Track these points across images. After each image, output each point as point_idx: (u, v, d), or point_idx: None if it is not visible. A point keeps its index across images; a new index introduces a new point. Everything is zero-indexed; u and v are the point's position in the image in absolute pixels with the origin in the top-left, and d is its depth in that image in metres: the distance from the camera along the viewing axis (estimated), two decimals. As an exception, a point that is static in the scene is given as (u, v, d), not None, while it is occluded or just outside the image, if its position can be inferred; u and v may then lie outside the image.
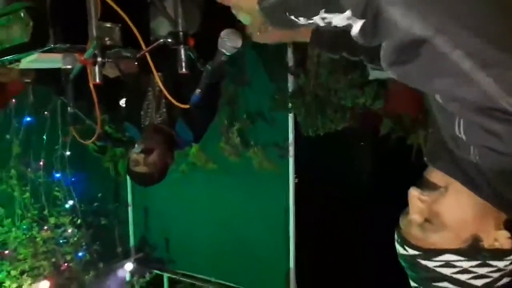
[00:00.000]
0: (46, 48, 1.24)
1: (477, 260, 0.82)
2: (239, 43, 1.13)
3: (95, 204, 3.79)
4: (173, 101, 1.27)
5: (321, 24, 0.74)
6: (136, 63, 1.31)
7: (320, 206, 3.19)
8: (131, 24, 1.21)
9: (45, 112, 3.31)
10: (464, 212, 0.84)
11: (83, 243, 3.60)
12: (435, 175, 0.89)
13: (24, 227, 3.39)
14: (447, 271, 0.83)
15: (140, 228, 3.93)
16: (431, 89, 0.72)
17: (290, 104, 2.81)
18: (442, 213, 0.85)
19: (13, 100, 3.17)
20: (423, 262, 0.85)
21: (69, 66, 1.33)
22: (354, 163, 3.52)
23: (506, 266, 0.82)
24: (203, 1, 1.59)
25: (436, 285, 0.85)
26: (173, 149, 1.98)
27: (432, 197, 0.86)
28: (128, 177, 3.74)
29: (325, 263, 3.13)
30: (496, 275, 0.82)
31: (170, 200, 3.59)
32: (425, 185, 0.88)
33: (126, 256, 3.88)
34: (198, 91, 1.23)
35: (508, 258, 0.82)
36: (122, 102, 2.04)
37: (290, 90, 2.86)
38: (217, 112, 2.10)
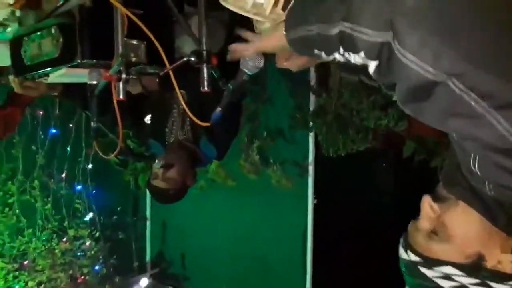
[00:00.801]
0: (73, 64, 1.27)
1: (477, 278, 0.81)
2: (261, 63, 1.13)
3: (114, 217, 3.81)
4: (194, 119, 1.27)
5: (341, 60, 0.77)
6: (157, 80, 1.32)
7: (339, 228, 3.14)
8: (156, 42, 1.23)
9: (70, 125, 3.37)
10: (471, 229, 0.83)
11: (100, 256, 3.61)
12: (451, 192, 0.88)
13: (44, 238, 3.43)
14: (445, 283, 0.83)
15: (157, 243, 3.93)
16: (446, 128, 0.72)
17: (311, 123, 2.79)
18: (450, 225, 0.85)
19: (41, 112, 3.26)
20: (423, 270, 0.85)
21: (94, 82, 1.35)
22: (376, 185, 3.46)
23: None
24: (227, 20, 1.61)
25: None
26: (195, 168, 1.96)
27: (443, 208, 0.86)
28: (147, 192, 3.78)
29: (343, 285, 3.05)
30: None
31: (188, 216, 3.59)
32: (438, 197, 0.89)
33: (142, 271, 3.88)
34: (219, 109, 1.23)
35: (509, 283, 0.80)
36: (147, 118, 2.05)
37: (311, 108, 2.85)
38: (239, 129, 2.10)
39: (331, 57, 0.79)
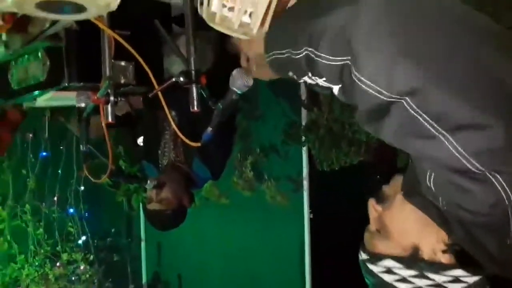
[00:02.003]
0: (60, 87, 1.26)
1: (415, 269, 0.84)
2: (250, 81, 1.13)
3: (108, 239, 3.76)
4: (184, 139, 1.26)
5: (311, 82, 0.81)
6: (141, 99, 1.31)
7: (336, 241, 3.11)
8: (143, 63, 1.22)
9: (61, 147, 3.34)
10: (405, 222, 0.87)
11: (95, 280, 3.55)
12: (390, 187, 0.95)
13: (37, 263, 3.37)
14: (388, 278, 0.86)
15: (153, 264, 3.88)
16: (403, 147, 0.75)
17: (303, 138, 2.79)
18: (388, 222, 0.90)
19: (31, 135, 3.23)
20: (370, 266, 0.90)
21: (82, 105, 1.34)
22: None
23: (444, 282, 0.82)
24: (215, 40, 1.61)
25: None
26: (190, 189, 1.93)
27: (384, 207, 0.92)
28: (141, 212, 3.74)
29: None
30: None
31: (183, 236, 3.54)
32: (382, 197, 0.95)
33: (137, 294, 3.81)
34: (209, 129, 1.22)
35: (446, 273, 0.82)
36: (140, 140, 2.03)
37: (303, 123, 2.85)
38: (233, 147, 2.08)
39: (302, 80, 0.83)
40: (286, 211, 3.06)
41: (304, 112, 2.86)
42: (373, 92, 0.69)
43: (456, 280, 0.81)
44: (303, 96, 2.84)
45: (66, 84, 1.24)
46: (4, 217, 3.29)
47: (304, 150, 2.94)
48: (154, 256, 3.85)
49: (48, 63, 1.28)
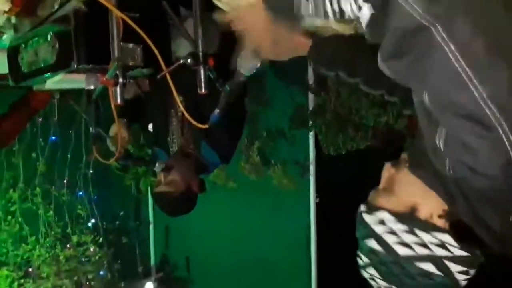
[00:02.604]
0: (70, 69, 1.27)
1: (406, 224, 0.85)
2: (257, 63, 1.13)
3: (117, 222, 3.81)
4: (192, 121, 1.27)
5: (330, 14, 0.75)
6: (147, 81, 1.32)
7: (342, 226, 3.13)
8: (152, 45, 1.23)
9: (70, 131, 3.37)
10: (412, 185, 0.88)
11: (105, 262, 3.61)
12: (405, 155, 0.95)
13: (48, 245, 3.42)
14: (379, 229, 0.88)
15: (161, 247, 3.92)
16: (423, 86, 0.71)
17: (310, 123, 2.79)
18: (396, 182, 0.92)
19: (39, 119, 3.26)
20: (365, 216, 0.92)
21: (91, 87, 1.35)
22: (377, 182, 3.45)
23: (430, 243, 0.83)
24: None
25: (366, 242, 0.90)
26: (200, 174, 1.92)
27: (397, 170, 0.93)
28: (149, 195, 3.78)
29: (347, 284, 3.04)
30: (419, 250, 0.83)
31: (191, 219, 3.56)
32: (398, 162, 0.95)
33: (147, 275, 3.87)
34: (216, 111, 1.23)
35: (435, 235, 0.83)
36: (150, 127, 2.03)
37: (310, 108, 2.85)
38: (243, 130, 2.06)
39: (321, 10, 0.77)
40: (292, 195, 3.08)
41: (311, 96, 2.85)
42: (407, 9, 0.64)
43: (442, 245, 0.82)
44: (310, 80, 2.82)
45: (75, 67, 1.26)
46: (15, 200, 3.35)
47: (311, 134, 2.94)
48: (162, 239, 3.90)
49: (57, 45, 1.29)
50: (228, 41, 1.60)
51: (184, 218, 3.57)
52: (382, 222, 0.88)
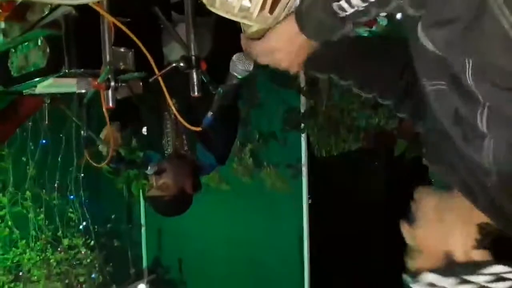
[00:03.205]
0: (60, 73, 1.26)
1: (454, 277, 0.80)
2: (250, 66, 1.13)
3: (109, 225, 3.79)
4: (185, 124, 1.27)
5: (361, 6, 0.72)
6: (141, 83, 1.32)
7: (335, 227, 3.15)
8: (144, 49, 1.23)
9: (60, 135, 3.35)
10: (432, 232, 0.86)
11: (96, 265, 3.59)
12: (415, 205, 0.92)
13: (38, 248, 3.40)
14: None
15: (153, 249, 3.91)
16: (470, 54, 0.68)
17: (302, 125, 2.80)
18: (418, 237, 0.88)
19: (30, 123, 3.23)
20: (414, 286, 0.86)
21: (83, 91, 1.35)
22: (369, 183, 3.47)
23: (487, 282, 0.77)
24: (214, 26, 1.61)
25: None
26: (196, 176, 1.92)
27: (413, 225, 0.90)
28: (141, 198, 3.76)
29: (341, 286, 3.06)
30: None
31: (183, 221, 3.56)
32: (412, 216, 0.92)
33: (139, 278, 3.85)
34: (210, 113, 1.23)
35: (485, 271, 0.78)
36: (144, 130, 2.03)
37: (302, 110, 2.86)
38: (237, 132, 2.06)
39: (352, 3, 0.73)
40: (285, 197, 3.08)
41: (303, 99, 2.86)
42: None
43: (500, 278, 0.76)
44: (302, 83, 2.84)
45: (66, 71, 1.25)
46: (5, 204, 3.31)
47: (303, 136, 2.95)
48: (154, 241, 3.89)
49: (48, 50, 1.29)
50: (220, 45, 1.60)
51: (176, 220, 3.57)
52: (431, 285, 0.83)
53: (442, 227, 0.85)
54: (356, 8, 0.74)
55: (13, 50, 1.38)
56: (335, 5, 0.75)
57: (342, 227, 3.12)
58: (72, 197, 3.55)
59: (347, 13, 0.75)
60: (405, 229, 0.92)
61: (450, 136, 0.82)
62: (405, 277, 0.89)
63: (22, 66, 1.37)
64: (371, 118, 2.47)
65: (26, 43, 1.34)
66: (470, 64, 0.68)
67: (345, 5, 0.74)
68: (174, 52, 1.44)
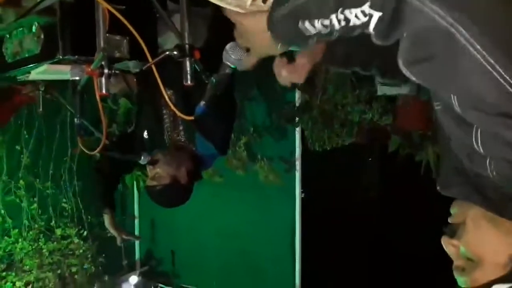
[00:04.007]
0: (54, 60, 1.26)
1: None
2: (243, 55, 1.14)
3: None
4: (178, 113, 1.28)
5: (337, 26, 0.71)
6: (135, 79, 1.32)
7: (327, 221, 3.17)
8: (138, 37, 1.23)
9: (55, 124, 3.34)
10: (489, 238, 0.81)
11: (89, 255, 3.59)
12: (455, 216, 0.88)
13: (31, 238, 3.39)
14: None
15: (146, 241, 3.92)
16: (450, 90, 0.69)
17: (297, 119, 2.81)
18: (472, 248, 0.83)
19: (24, 111, 3.22)
20: None
21: (77, 78, 1.35)
22: (362, 179, 3.49)
23: None
24: (209, 14, 1.61)
25: None
26: (193, 166, 1.90)
27: (460, 237, 0.85)
28: (135, 190, 3.76)
29: (331, 279, 3.08)
30: None
31: (176, 213, 3.58)
32: (452, 229, 0.88)
33: (131, 269, 3.86)
34: (202, 102, 1.23)
35: None
36: (145, 134, 2.02)
37: (297, 104, 2.87)
38: (235, 121, 2.06)
39: (324, 24, 0.72)
40: (278, 191, 3.10)
41: (298, 93, 2.87)
42: (427, 11, 0.61)
43: None
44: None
45: (60, 57, 1.25)
46: (-3, 192, 3.31)
47: (297, 130, 2.96)
48: (147, 233, 3.89)
49: (42, 36, 1.28)
50: (214, 35, 1.60)
51: (170, 212, 3.58)
52: None
53: (500, 232, 0.80)
54: (319, 31, 0.74)
55: (8, 36, 1.38)
56: (300, 24, 0.75)
57: (334, 221, 3.14)
58: (66, 186, 3.55)
59: (311, 34, 0.75)
60: (449, 244, 0.87)
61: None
62: None
63: (16, 52, 1.37)
64: (365, 113, 2.48)
65: (20, 29, 1.34)
66: (455, 96, 0.69)
67: (309, 27, 0.74)
68: (169, 42, 1.44)
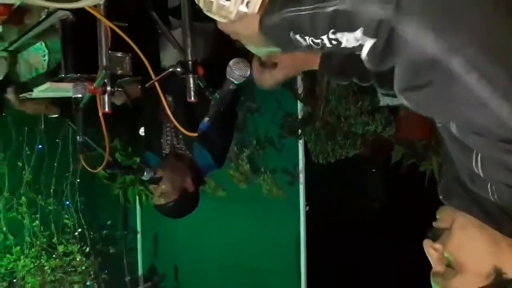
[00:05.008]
0: (57, 78, 1.26)
1: None
2: (247, 72, 1.13)
3: (104, 232, 3.77)
4: (182, 129, 1.27)
5: (328, 45, 0.70)
6: (139, 86, 1.32)
7: (332, 234, 3.14)
8: (141, 54, 1.22)
9: (57, 140, 3.34)
10: (475, 246, 0.79)
11: (91, 272, 3.56)
12: (441, 221, 0.86)
13: (33, 255, 3.37)
14: None
15: (149, 256, 3.89)
16: (446, 118, 0.68)
17: (299, 131, 2.80)
18: (456, 255, 0.80)
19: (26, 128, 3.22)
20: None
21: (79, 95, 1.34)
22: (366, 190, 3.47)
23: None
24: (212, 30, 1.61)
25: None
26: (194, 172, 1.90)
27: (444, 242, 0.83)
28: (138, 205, 3.74)
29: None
30: None
31: (179, 228, 3.56)
32: (435, 233, 0.86)
33: (134, 285, 3.82)
34: (206, 119, 1.23)
35: None
36: (141, 131, 2.02)
37: (299, 116, 2.86)
38: (233, 134, 2.06)
39: (316, 42, 0.71)
40: (282, 204, 3.08)
41: (300, 105, 2.87)
42: (419, 42, 0.60)
43: None
44: (300, 89, 2.84)
45: (63, 75, 1.25)
46: (0, 209, 3.29)
47: (300, 143, 2.95)
48: (150, 248, 3.87)
49: (47, 55, 1.28)
50: (218, 50, 1.60)
51: (173, 227, 3.57)
52: None
53: (485, 238, 0.78)
54: (310, 45, 0.73)
55: (20, 55, 1.38)
56: (292, 35, 0.74)
57: (339, 233, 3.11)
58: (67, 203, 3.53)
59: (302, 45, 0.74)
60: (431, 247, 0.84)
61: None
62: None
63: (27, 71, 1.37)
64: (368, 125, 2.47)
65: (29, 48, 1.34)
66: (453, 123, 0.68)
67: (301, 40, 0.73)
68: (171, 57, 1.44)
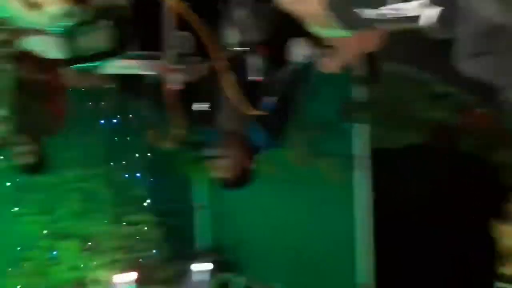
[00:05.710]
0: (124, 55, 1.34)
1: None
2: (309, 51, 1.14)
3: (169, 205, 3.94)
4: (246, 107, 1.30)
5: (389, 16, 0.71)
6: (203, 65, 1.36)
7: (399, 222, 3.04)
8: (204, 34, 1.27)
9: (129, 115, 3.54)
10: None
11: (157, 242, 3.76)
12: None
13: (106, 221, 3.61)
14: None
15: (213, 231, 4.01)
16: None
17: (360, 116, 2.74)
18: None
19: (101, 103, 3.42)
20: None
21: (147, 73, 1.42)
22: (432, 180, 3.32)
23: None
24: (273, 11, 1.62)
25: None
26: (250, 152, 1.99)
27: None
28: (203, 180, 3.87)
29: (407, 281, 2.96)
30: None
31: (243, 206, 3.63)
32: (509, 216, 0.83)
33: (197, 257, 3.96)
34: (272, 98, 1.25)
35: None
36: (202, 107, 2.10)
37: (361, 100, 2.79)
38: (293, 113, 2.09)
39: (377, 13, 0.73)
40: (338, 188, 3.05)
41: (362, 89, 2.79)
42: (486, 9, 0.61)
43: None
44: (361, 72, 2.76)
45: (130, 53, 1.32)
46: (76, 179, 3.55)
47: (361, 127, 2.89)
48: (215, 223, 3.99)
49: (112, 32, 1.36)
50: (280, 30, 1.61)
51: (236, 204, 3.64)
52: None
53: None
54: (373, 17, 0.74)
55: (80, 32, 1.47)
56: (356, 9, 0.76)
57: (408, 225, 2.99)
58: (138, 175, 3.74)
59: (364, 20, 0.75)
60: (501, 229, 0.83)
61: None
62: (500, 285, 0.79)
63: (88, 48, 1.46)
64: (433, 111, 2.35)
65: (92, 25, 1.42)
66: None
67: (366, 12, 0.75)
68: (233, 36, 1.47)
